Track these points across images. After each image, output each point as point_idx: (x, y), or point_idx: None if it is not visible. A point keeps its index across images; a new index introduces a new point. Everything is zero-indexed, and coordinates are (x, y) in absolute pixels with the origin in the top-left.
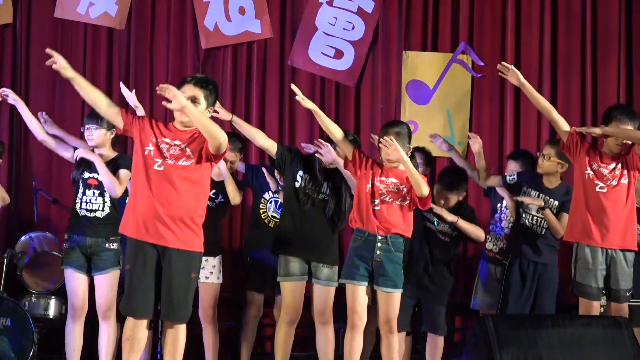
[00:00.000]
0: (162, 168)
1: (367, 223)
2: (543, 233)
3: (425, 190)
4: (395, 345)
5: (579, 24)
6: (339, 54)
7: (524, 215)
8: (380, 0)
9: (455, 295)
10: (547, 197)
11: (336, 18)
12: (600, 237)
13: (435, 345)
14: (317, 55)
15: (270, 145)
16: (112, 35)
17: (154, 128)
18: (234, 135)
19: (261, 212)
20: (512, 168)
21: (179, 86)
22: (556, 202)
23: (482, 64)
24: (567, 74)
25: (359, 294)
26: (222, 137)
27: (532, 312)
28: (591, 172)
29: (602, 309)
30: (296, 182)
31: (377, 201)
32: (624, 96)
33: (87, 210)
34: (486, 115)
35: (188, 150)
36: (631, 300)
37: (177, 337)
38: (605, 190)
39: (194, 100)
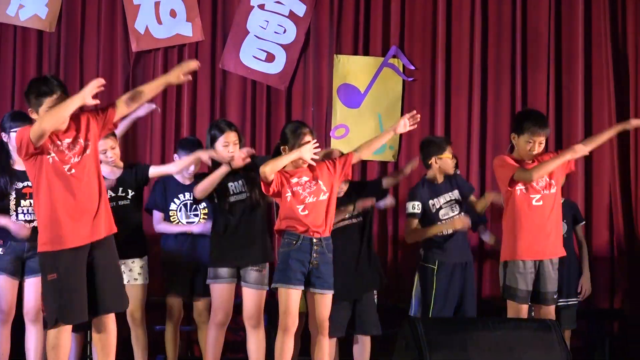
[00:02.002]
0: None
1: (299, 228)
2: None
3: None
4: (326, 348)
5: (509, 28)
6: (270, 58)
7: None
8: (312, 4)
9: (387, 297)
10: (448, 194)
11: (268, 21)
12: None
13: (363, 347)
14: (249, 58)
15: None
16: (42, 38)
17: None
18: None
19: (174, 223)
20: None
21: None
22: (455, 191)
23: (413, 67)
24: (498, 78)
25: (293, 298)
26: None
27: (456, 314)
28: (523, 187)
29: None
30: (215, 200)
31: (301, 207)
32: (553, 100)
33: (25, 221)
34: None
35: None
36: (559, 301)
37: (108, 331)
38: (541, 202)
39: None
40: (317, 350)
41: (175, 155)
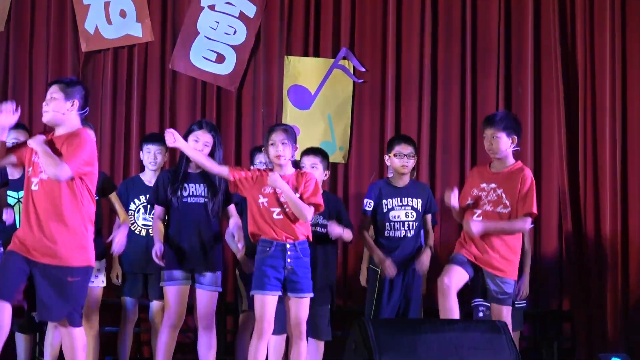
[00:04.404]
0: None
1: (272, 234)
2: (411, 235)
3: (308, 215)
4: (304, 351)
5: (459, 32)
6: (220, 59)
7: (389, 225)
8: (262, 5)
9: (339, 298)
10: (408, 199)
11: (218, 22)
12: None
13: (316, 349)
14: (199, 59)
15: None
16: None
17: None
18: None
19: (130, 224)
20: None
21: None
22: (419, 201)
23: (363, 69)
24: (447, 81)
25: (269, 303)
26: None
27: (398, 317)
28: (471, 201)
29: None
30: (169, 196)
31: (277, 210)
32: (503, 106)
33: None
34: (367, 120)
35: None
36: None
37: (71, 341)
38: (480, 219)
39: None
40: (295, 353)
41: (141, 152)
